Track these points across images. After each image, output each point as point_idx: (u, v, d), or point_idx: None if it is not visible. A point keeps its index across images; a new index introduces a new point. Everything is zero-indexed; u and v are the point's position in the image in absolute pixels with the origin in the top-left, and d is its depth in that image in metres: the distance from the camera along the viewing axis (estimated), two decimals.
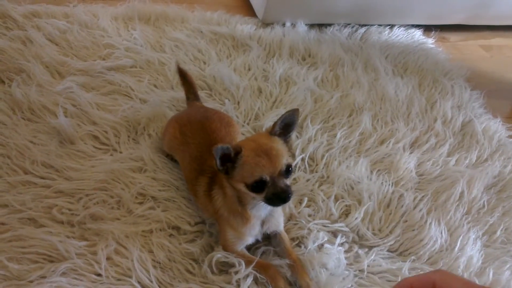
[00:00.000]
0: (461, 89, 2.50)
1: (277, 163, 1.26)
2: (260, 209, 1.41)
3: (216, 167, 1.28)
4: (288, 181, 1.31)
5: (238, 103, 2.16)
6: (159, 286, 1.40)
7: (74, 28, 2.38)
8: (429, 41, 2.93)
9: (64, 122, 1.82)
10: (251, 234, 1.48)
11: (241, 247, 1.49)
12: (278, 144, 1.31)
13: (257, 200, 1.33)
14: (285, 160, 1.28)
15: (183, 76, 1.97)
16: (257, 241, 1.54)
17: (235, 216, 1.43)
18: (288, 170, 1.30)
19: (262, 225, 1.48)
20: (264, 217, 1.46)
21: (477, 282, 1.55)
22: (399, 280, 1.49)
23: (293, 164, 1.36)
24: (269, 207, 1.39)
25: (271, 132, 1.34)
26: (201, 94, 2.15)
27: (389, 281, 1.53)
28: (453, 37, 3.10)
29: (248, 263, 1.44)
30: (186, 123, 1.69)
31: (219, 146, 1.22)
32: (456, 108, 2.36)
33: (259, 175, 1.25)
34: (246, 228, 1.45)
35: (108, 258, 1.44)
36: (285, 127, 1.35)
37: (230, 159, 1.28)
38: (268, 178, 1.26)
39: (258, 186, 1.27)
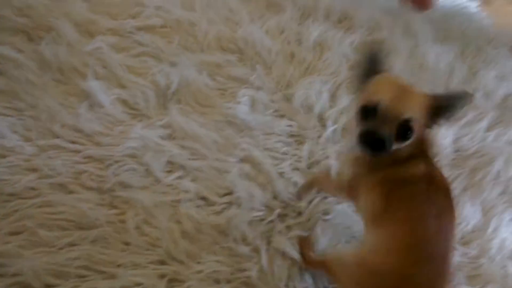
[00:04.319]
0: (505, 58, 2.35)
1: (400, 107, 1.04)
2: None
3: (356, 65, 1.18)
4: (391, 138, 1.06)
5: (270, 68, 2.08)
6: (187, 257, 1.40)
7: None
8: (473, 5, 2.75)
9: (94, 85, 1.80)
10: None
11: None
12: (419, 95, 1.08)
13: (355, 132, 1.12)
14: (410, 112, 1.05)
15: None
16: None
17: None
18: (404, 130, 1.06)
19: None
20: None
21: (510, 266, 1.52)
22: None
23: (412, 124, 1.06)
24: None
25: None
26: (231, 58, 2.08)
27: None
28: (498, 0, 2.90)
29: None
30: None
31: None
32: (498, 79, 2.23)
33: (373, 101, 1.05)
34: None
35: (136, 227, 1.44)
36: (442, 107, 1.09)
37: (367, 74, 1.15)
38: (377, 111, 1.04)
39: (364, 112, 1.08)
